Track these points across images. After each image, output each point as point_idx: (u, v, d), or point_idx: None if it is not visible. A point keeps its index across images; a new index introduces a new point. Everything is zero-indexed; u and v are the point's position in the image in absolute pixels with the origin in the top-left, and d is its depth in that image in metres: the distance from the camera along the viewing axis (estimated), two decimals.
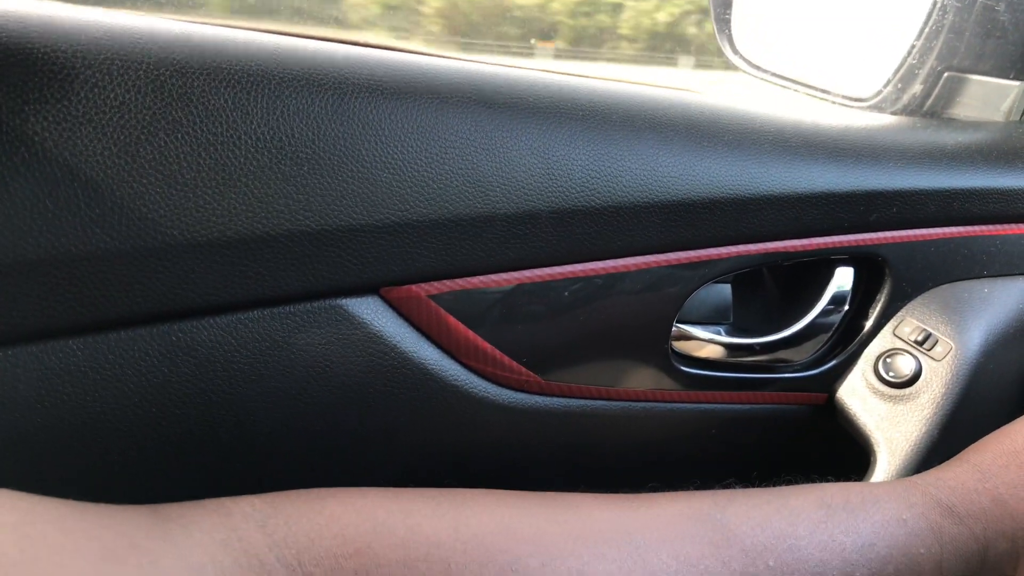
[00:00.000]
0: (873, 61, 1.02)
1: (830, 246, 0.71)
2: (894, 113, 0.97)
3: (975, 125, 0.89)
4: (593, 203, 0.61)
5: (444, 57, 0.63)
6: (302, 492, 0.46)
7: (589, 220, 0.61)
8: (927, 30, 0.92)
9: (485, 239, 0.58)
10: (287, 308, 0.55)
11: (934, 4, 0.91)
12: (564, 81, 0.65)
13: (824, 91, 1.02)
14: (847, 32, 1.07)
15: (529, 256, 0.60)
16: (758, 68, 1.08)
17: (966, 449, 0.59)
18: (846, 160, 0.72)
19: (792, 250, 0.70)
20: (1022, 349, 0.79)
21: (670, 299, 0.66)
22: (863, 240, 0.73)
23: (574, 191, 0.60)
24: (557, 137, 0.61)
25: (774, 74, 1.07)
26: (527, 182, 0.59)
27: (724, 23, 1.09)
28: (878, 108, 0.97)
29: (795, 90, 1.04)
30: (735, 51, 1.09)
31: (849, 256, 0.73)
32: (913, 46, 0.94)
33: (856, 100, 0.99)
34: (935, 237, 0.76)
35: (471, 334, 0.60)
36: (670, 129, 0.66)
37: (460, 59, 0.63)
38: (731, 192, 0.66)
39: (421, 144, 0.56)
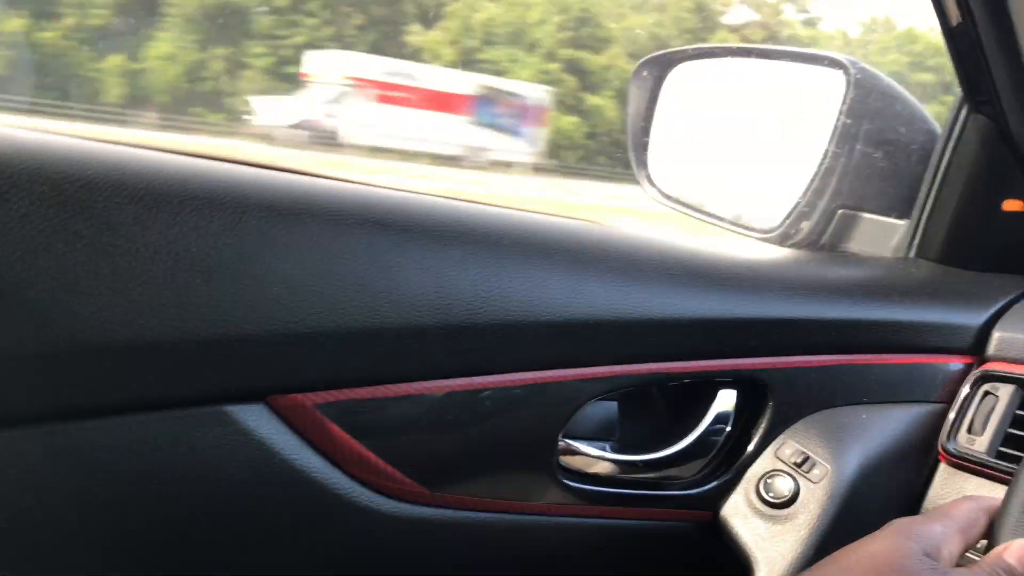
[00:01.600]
0: (777, 197, 1.09)
1: (713, 369, 0.76)
2: (794, 246, 1.04)
3: (861, 260, 0.96)
4: (481, 320, 0.65)
5: (343, 180, 0.67)
6: None
7: (477, 336, 0.65)
8: (821, 171, 1.00)
9: (374, 351, 0.62)
10: (173, 413, 0.57)
11: (827, 148, 0.99)
12: (458, 206, 0.70)
13: (732, 224, 1.09)
14: (754, 169, 1.14)
15: (417, 369, 0.64)
16: (671, 199, 1.15)
17: (818, 563, 0.61)
18: (729, 289, 0.77)
19: (676, 371, 0.74)
20: (898, 474, 0.83)
21: (556, 415, 0.70)
22: (746, 365, 0.77)
23: (463, 308, 0.64)
24: (448, 258, 0.65)
25: (686, 205, 1.13)
26: (417, 298, 0.63)
27: (641, 155, 1.16)
28: (779, 241, 1.03)
29: (705, 221, 1.11)
30: (651, 183, 1.16)
31: (732, 379, 0.78)
32: (809, 185, 1.01)
33: (760, 232, 1.06)
34: (816, 364, 0.80)
35: (357, 444, 0.63)
36: (559, 254, 0.70)
37: (358, 183, 0.68)
38: (616, 315, 0.70)
39: (314, 260, 0.60)
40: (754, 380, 0.78)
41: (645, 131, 1.15)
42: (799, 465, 0.77)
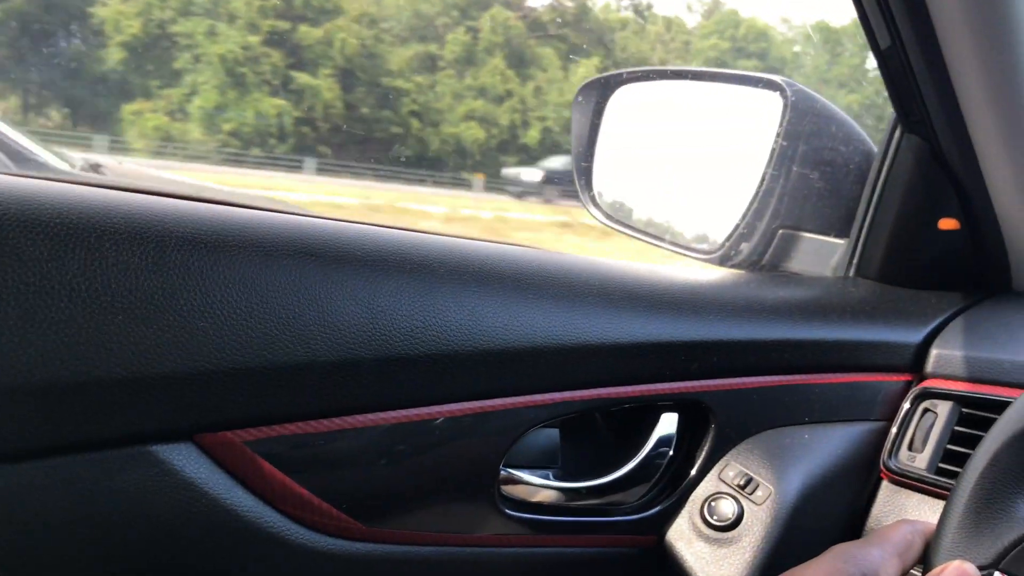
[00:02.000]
0: (720, 218, 1.10)
1: (654, 393, 0.75)
2: (736, 266, 1.05)
3: (801, 280, 0.96)
4: (417, 351, 0.64)
5: (272, 211, 0.66)
6: None
7: (413, 367, 0.64)
8: (760, 193, 1.01)
9: (304, 386, 0.60)
10: (96, 454, 0.55)
11: (765, 170, 1.00)
12: (392, 235, 0.69)
13: (674, 244, 1.10)
14: (696, 190, 1.15)
15: (350, 402, 0.62)
16: (615, 221, 1.15)
17: None
18: (668, 312, 0.77)
19: (617, 397, 0.73)
20: (841, 493, 0.83)
21: (497, 444, 0.69)
22: (687, 388, 0.77)
23: (398, 339, 0.63)
24: (383, 288, 0.64)
25: (629, 227, 1.14)
26: (350, 331, 0.61)
27: (584, 177, 1.16)
28: (720, 261, 1.04)
29: (648, 242, 1.11)
30: (595, 204, 1.16)
31: (674, 403, 0.77)
32: (749, 207, 1.02)
33: (702, 253, 1.07)
34: (757, 385, 0.81)
35: (288, 480, 0.61)
36: (496, 280, 0.70)
37: (287, 212, 0.66)
38: (555, 341, 0.69)
39: (241, 294, 0.58)
40: (696, 403, 0.78)
41: (587, 155, 1.15)
42: (742, 487, 0.77)
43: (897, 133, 0.93)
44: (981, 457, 0.58)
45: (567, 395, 0.71)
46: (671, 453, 0.78)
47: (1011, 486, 0.57)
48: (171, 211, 0.60)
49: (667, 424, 0.78)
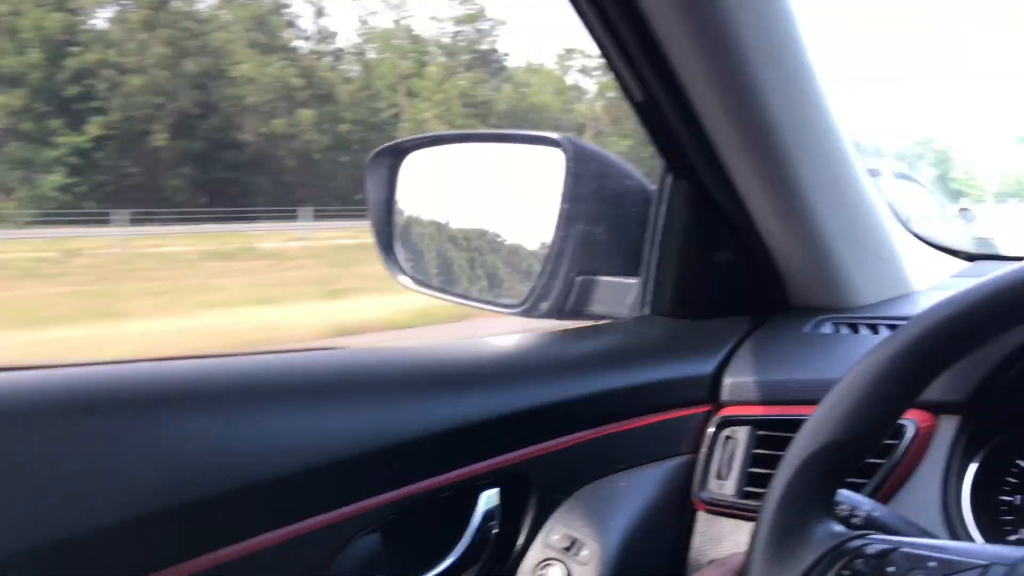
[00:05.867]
0: (522, 270, 1.13)
1: (473, 474, 0.76)
2: (543, 316, 1.08)
3: (599, 329, 1.01)
4: (212, 491, 0.61)
5: (43, 367, 0.62)
6: None
7: (208, 510, 0.60)
8: (555, 248, 1.04)
9: (91, 555, 0.56)
10: None
11: (555, 231, 1.03)
12: (171, 368, 0.66)
13: (482, 302, 1.12)
14: (498, 247, 1.18)
15: (141, 563, 0.59)
16: (422, 284, 1.16)
17: None
18: (476, 389, 0.78)
19: (435, 487, 0.74)
20: (662, 531, 0.87)
21: (316, 565, 0.67)
22: (504, 461, 0.78)
23: (189, 484, 0.60)
24: (167, 431, 0.61)
25: (436, 289, 1.15)
26: (134, 484, 0.58)
27: (388, 245, 1.16)
28: (527, 313, 1.07)
29: (457, 303, 1.13)
30: (401, 271, 1.17)
31: (493, 479, 0.79)
32: (547, 261, 1.05)
33: (509, 308, 1.09)
34: (571, 443, 0.83)
35: None
36: (294, 394, 0.68)
37: (63, 365, 0.63)
38: (362, 447, 0.69)
39: (5, 465, 0.54)
40: (514, 474, 0.79)
41: (387, 221, 1.16)
42: (567, 550, 0.79)
43: (668, 179, 0.99)
44: (777, 486, 0.62)
45: (382, 499, 0.70)
46: (496, 530, 0.80)
47: (807, 509, 0.61)
48: None
49: (488, 502, 0.79)
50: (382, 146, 1.17)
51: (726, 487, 0.88)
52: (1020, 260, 0.58)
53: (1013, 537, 0.83)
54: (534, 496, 0.81)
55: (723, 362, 0.95)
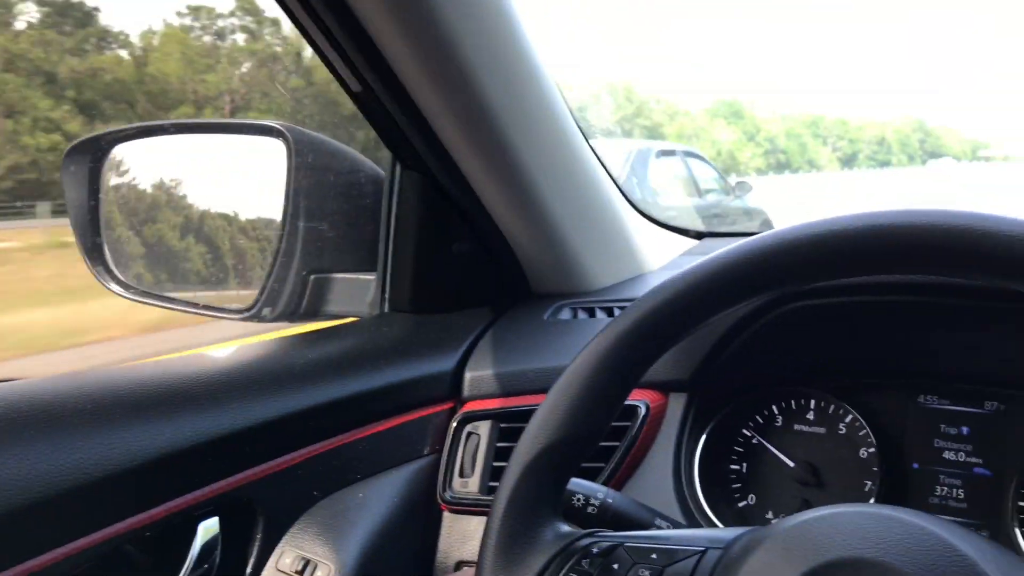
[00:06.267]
0: (253, 271, 1.05)
1: (183, 506, 0.68)
2: (275, 319, 1.00)
3: (333, 332, 0.95)
4: None
5: None
6: None
7: None
8: (282, 247, 0.97)
9: None
10: None
11: (281, 227, 0.96)
12: None
13: (206, 309, 1.02)
14: (226, 245, 1.09)
15: None
16: (139, 292, 1.05)
17: None
18: (188, 411, 0.70)
19: (135, 527, 0.65)
20: (405, 540, 0.84)
21: None
22: (224, 487, 0.71)
23: None
24: None
25: (155, 296, 1.04)
26: None
27: (96, 252, 1.04)
28: (257, 318, 0.99)
29: (179, 310, 1.03)
30: (115, 279, 1.05)
31: (211, 507, 0.71)
32: (275, 260, 0.98)
33: (237, 313, 1.00)
34: (302, 459, 0.77)
35: None
36: None
37: None
38: (40, 492, 0.59)
39: None
40: (235, 500, 0.72)
41: (92, 224, 1.03)
42: (300, 573, 0.73)
43: (398, 170, 0.94)
44: (503, 491, 0.60)
45: (78, 545, 0.61)
46: (218, 561, 0.72)
47: (535, 512, 0.59)
48: None
49: (206, 533, 0.72)
50: (77, 140, 1.03)
51: (470, 484, 0.86)
52: (743, 236, 0.58)
53: (742, 504, 0.87)
54: (261, 520, 0.74)
55: (464, 356, 0.93)
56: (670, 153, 6.34)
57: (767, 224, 6.57)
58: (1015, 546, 0.75)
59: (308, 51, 0.79)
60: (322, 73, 0.84)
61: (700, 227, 1.30)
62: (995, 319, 0.78)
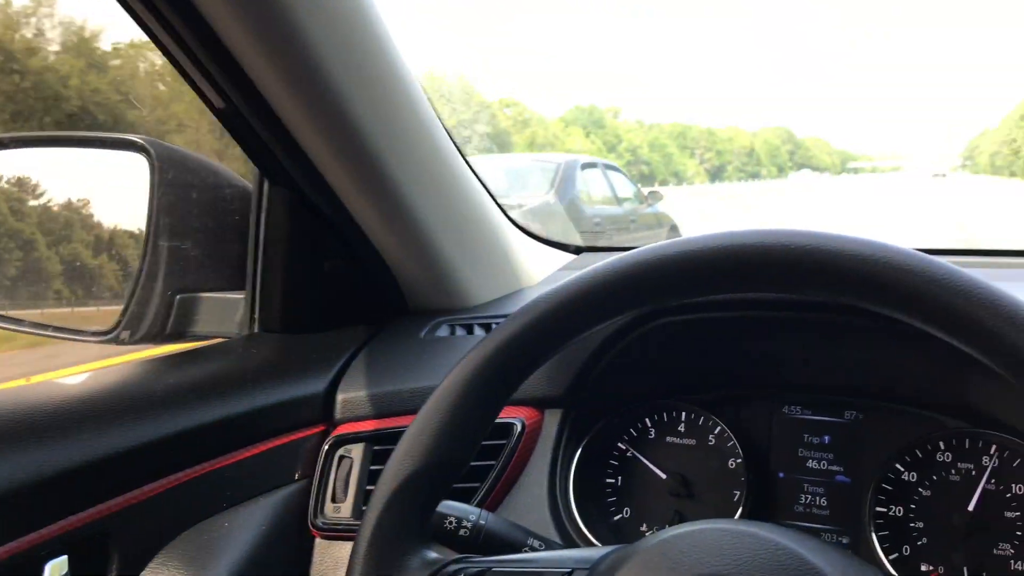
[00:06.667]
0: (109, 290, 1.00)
1: (26, 546, 0.64)
2: (138, 341, 0.96)
3: (198, 354, 0.91)
4: None
5: None
6: None
7: None
8: (145, 267, 0.92)
9: None
10: None
11: (144, 246, 0.92)
12: None
13: (60, 331, 0.97)
14: (88, 265, 1.03)
15: None
16: None
17: None
18: (31, 442, 0.66)
19: None
20: (276, 566, 0.81)
21: None
22: (70, 524, 0.67)
23: None
24: None
25: (6, 319, 0.98)
26: None
27: None
28: (118, 341, 0.94)
29: (30, 333, 0.97)
30: None
31: (60, 545, 0.67)
32: (137, 280, 0.93)
33: (96, 336, 0.95)
34: (161, 489, 0.73)
35: None
36: None
37: None
38: None
39: None
40: (88, 536, 0.68)
41: None
42: None
43: (265, 186, 0.92)
44: (368, 520, 0.58)
45: None
46: None
47: (401, 539, 0.58)
48: None
49: (57, 572, 0.67)
50: None
51: (343, 509, 0.84)
52: (619, 251, 0.59)
53: (617, 517, 0.88)
54: (116, 556, 0.70)
55: (336, 377, 0.90)
56: (592, 166, 7.02)
57: (675, 230, 7.08)
58: (872, 551, 0.78)
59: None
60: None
61: (582, 241, 1.32)
62: (848, 333, 0.82)
